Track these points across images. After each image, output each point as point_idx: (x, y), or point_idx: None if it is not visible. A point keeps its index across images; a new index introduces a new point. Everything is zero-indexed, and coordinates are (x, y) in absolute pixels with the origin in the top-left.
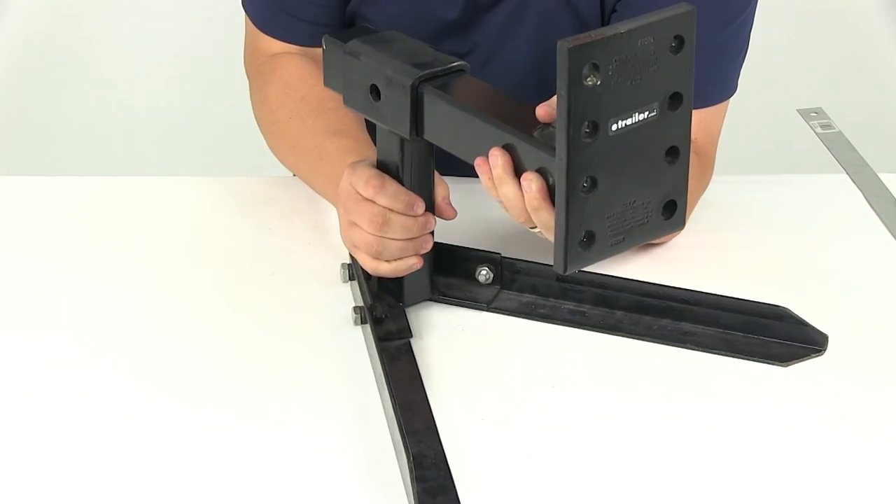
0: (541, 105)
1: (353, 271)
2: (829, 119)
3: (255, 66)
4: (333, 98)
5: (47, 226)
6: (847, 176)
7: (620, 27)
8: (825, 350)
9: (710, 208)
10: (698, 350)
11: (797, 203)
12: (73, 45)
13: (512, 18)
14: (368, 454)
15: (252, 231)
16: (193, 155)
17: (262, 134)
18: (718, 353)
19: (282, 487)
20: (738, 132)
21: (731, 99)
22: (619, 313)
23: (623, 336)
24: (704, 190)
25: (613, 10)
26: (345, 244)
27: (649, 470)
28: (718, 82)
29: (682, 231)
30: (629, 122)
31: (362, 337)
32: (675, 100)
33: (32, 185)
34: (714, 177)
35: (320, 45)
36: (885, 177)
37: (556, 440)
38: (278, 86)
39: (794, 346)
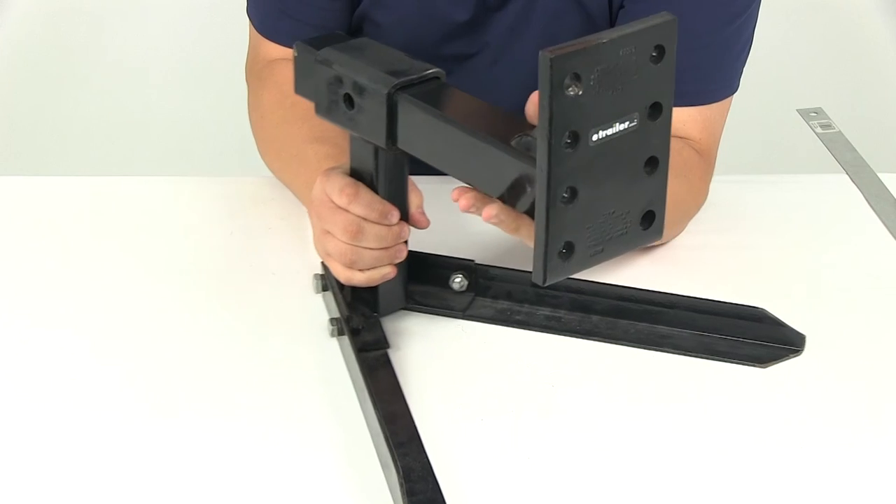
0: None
1: (327, 282)
2: (829, 119)
3: (255, 72)
4: None
5: (47, 226)
6: (847, 176)
7: (602, 36)
8: (802, 350)
9: (709, 208)
10: (676, 353)
11: (797, 203)
12: (74, 45)
13: (520, 18)
14: (353, 467)
15: (252, 231)
16: (193, 155)
17: (254, 139)
18: (696, 356)
19: (266, 495)
20: (738, 132)
21: (732, 99)
22: (595, 318)
23: (600, 341)
24: (708, 190)
25: (621, 7)
26: (318, 252)
27: (636, 472)
28: (721, 79)
29: (682, 232)
30: (610, 132)
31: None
32: (656, 110)
33: (32, 186)
34: (714, 177)
35: None
36: (885, 177)
37: (538, 443)
38: (272, 91)
39: (771, 347)
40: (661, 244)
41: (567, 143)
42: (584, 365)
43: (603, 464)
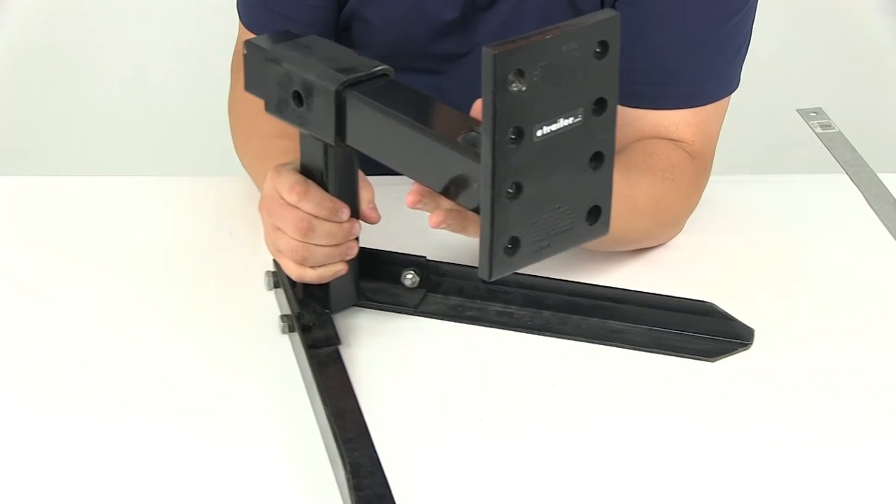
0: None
1: (279, 279)
2: (829, 119)
3: (237, 65)
4: None
5: (47, 226)
6: (847, 176)
7: (546, 32)
8: (751, 344)
9: (709, 208)
10: (627, 348)
11: (797, 203)
12: (74, 45)
13: (511, 17)
14: (303, 463)
15: (252, 231)
16: (192, 155)
17: (230, 122)
18: (647, 351)
19: (215, 490)
20: (738, 132)
21: (732, 99)
22: (546, 313)
23: (552, 336)
24: (701, 193)
25: (613, 7)
26: (269, 249)
27: (590, 470)
28: (716, 80)
29: (681, 232)
30: (554, 127)
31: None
32: (600, 105)
33: (32, 186)
34: (714, 177)
35: None
36: (884, 177)
37: (493, 439)
38: None
39: (720, 341)
40: (658, 246)
41: (511, 138)
42: (534, 360)
43: (553, 463)
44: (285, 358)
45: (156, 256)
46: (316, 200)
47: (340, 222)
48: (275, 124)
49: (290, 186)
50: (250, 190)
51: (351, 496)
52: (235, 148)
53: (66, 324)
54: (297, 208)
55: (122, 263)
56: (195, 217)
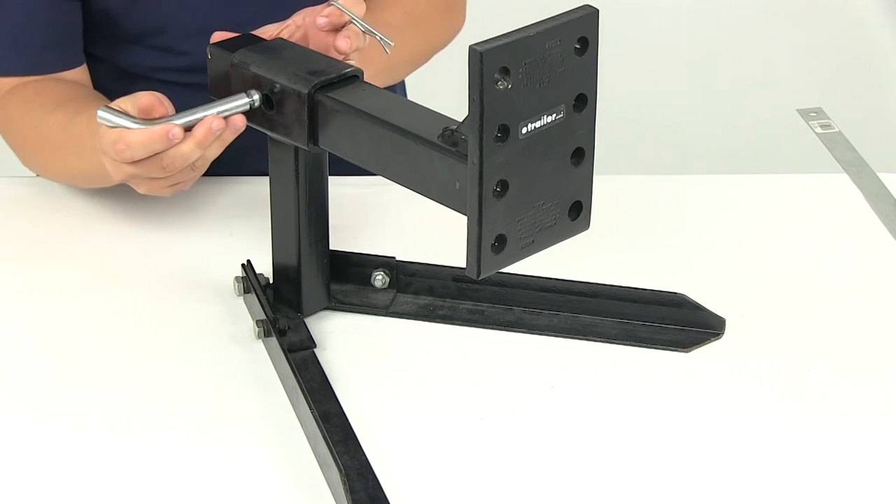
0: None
1: (249, 284)
2: (829, 119)
3: None
4: (69, 91)
5: (47, 226)
6: (847, 176)
7: (529, 30)
8: (723, 333)
9: (710, 208)
10: (600, 341)
11: (797, 203)
12: None
13: None
14: (293, 467)
15: (252, 231)
16: None
17: (27, 162)
18: (620, 343)
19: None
20: (739, 132)
21: (731, 99)
22: (517, 310)
23: (525, 332)
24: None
25: None
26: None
27: (564, 466)
28: None
29: (680, 232)
30: (538, 124)
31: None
32: (581, 101)
33: (33, 185)
34: (714, 176)
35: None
36: (885, 177)
37: (473, 438)
38: (14, 105)
39: (693, 332)
40: None
41: (497, 136)
42: (499, 356)
43: (542, 456)
44: (262, 362)
45: (152, 258)
46: (140, 145)
47: (172, 142)
48: (65, 112)
49: (112, 148)
50: (250, 190)
51: (347, 499)
52: (41, 166)
53: (48, 326)
54: (135, 165)
55: (116, 265)
56: (195, 217)
